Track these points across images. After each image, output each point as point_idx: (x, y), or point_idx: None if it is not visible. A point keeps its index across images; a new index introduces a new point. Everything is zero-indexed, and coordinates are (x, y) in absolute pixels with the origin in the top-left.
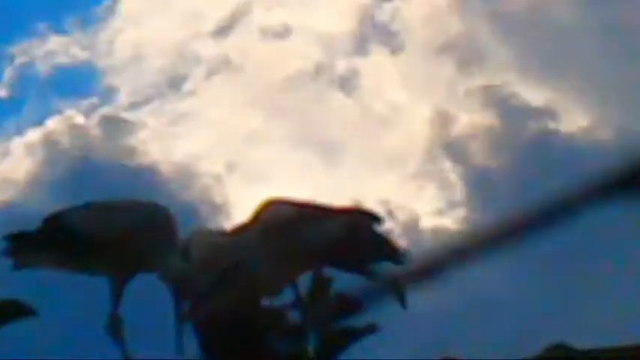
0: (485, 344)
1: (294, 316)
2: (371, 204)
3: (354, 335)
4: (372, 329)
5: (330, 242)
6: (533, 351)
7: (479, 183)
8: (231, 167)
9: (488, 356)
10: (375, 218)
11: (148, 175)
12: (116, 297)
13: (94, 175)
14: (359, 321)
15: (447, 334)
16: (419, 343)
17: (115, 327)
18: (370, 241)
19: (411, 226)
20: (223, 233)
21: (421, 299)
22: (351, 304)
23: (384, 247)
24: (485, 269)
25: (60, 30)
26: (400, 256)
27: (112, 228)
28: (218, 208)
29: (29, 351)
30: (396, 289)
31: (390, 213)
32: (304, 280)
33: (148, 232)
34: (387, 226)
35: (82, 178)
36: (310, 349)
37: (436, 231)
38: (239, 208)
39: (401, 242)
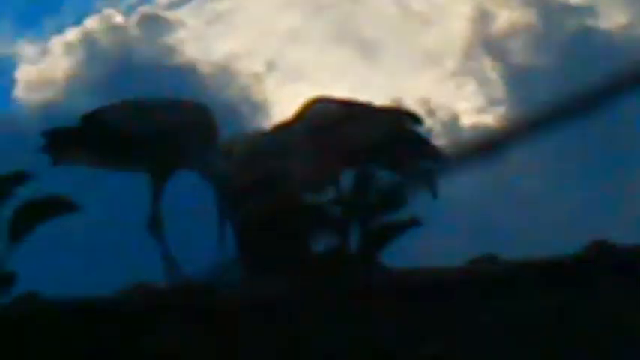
0: (523, 239)
1: (336, 212)
2: (410, 103)
3: (397, 230)
4: (414, 223)
5: (372, 141)
6: (572, 247)
7: (518, 80)
8: (270, 66)
9: (526, 251)
10: (414, 118)
11: (187, 74)
12: (156, 195)
13: (132, 75)
14: (401, 215)
15: (486, 226)
16: (458, 236)
17: (155, 225)
18: (410, 141)
19: (451, 124)
20: (265, 132)
21: (461, 193)
22: (392, 199)
23: (424, 147)
24: (525, 163)
25: None
26: (439, 155)
27: (151, 125)
28: (258, 107)
29: (70, 246)
30: (431, 183)
31: (430, 111)
32: (347, 177)
33: (187, 130)
34: (427, 125)
35: (121, 77)
36: (352, 244)
37: (476, 128)
38: (279, 107)
39: (441, 140)
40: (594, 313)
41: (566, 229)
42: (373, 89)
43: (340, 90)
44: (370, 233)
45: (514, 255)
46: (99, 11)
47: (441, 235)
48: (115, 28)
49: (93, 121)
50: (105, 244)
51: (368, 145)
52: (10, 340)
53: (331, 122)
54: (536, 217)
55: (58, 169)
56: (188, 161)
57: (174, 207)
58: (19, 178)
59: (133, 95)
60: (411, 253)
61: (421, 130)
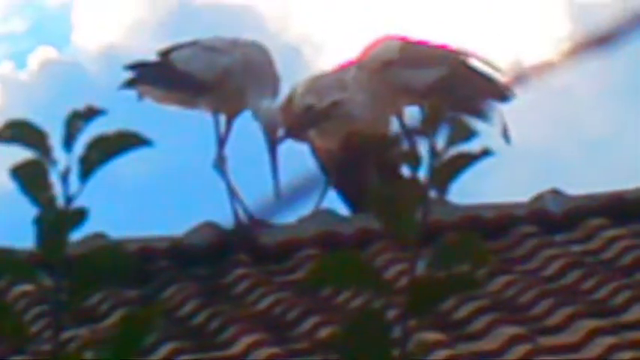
0: (590, 180)
1: (406, 145)
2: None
3: (468, 160)
4: (486, 153)
5: (433, 84)
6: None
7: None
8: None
9: (590, 188)
10: (480, 58)
11: (247, 15)
12: (221, 135)
13: (194, 17)
14: (473, 146)
15: (554, 169)
16: (527, 177)
17: (220, 163)
18: (477, 81)
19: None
20: (328, 73)
21: (529, 136)
22: (462, 132)
23: (491, 87)
24: (592, 108)
25: None
26: (505, 93)
27: (214, 67)
28: (320, 49)
29: (146, 178)
30: (501, 125)
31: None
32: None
33: (247, 71)
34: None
35: (183, 19)
36: (423, 175)
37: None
38: (341, 49)
39: (509, 77)
40: None
41: (631, 166)
42: (442, 27)
43: (409, 29)
44: (441, 164)
45: (579, 191)
46: None
47: (507, 172)
48: None
49: (167, 59)
50: (176, 179)
51: (428, 88)
52: (85, 277)
53: (394, 60)
54: (602, 155)
55: (131, 106)
56: (247, 102)
57: (240, 146)
58: (90, 113)
59: (194, 37)
60: (480, 189)
61: (488, 69)
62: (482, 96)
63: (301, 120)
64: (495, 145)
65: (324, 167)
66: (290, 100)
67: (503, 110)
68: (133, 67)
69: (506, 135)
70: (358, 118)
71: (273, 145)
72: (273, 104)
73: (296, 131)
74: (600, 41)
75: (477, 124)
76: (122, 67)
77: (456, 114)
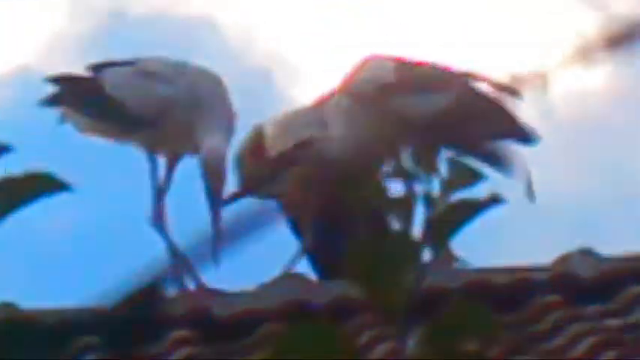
0: (629, 238)
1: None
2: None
3: (473, 209)
4: (495, 201)
5: (442, 112)
6: None
7: None
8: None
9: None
10: (499, 86)
11: (203, 29)
12: (160, 183)
13: (129, 31)
14: (479, 193)
15: (586, 224)
16: (551, 234)
17: (158, 219)
18: (487, 115)
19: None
20: (306, 108)
21: (555, 183)
22: (464, 174)
23: (506, 123)
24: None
25: None
26: (526, 133)
27: (152, 98)
28: (294, 73)
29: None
30: (527, 181)
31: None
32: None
33: (193, 105)
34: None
35: (115, 34)
36: (419, 225)
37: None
38: (322, 73)
39: (532, 112)
40: None
41: None
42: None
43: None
44: (441, 212)
45: (616, 252)
46: None
47: (526, 227)
48: None
49: (97, 78)
50: (100, 234)
51: (428, 121)
52: None
53: (379, 92)
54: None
55: (39, 144)
56: (191, 141)
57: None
58: None
59: (130, 54)
60: (491, 248)
61: (505, 100)
62: (500, 134)
63: (264, 169)
64: (510, 193)
65: (296, 226)
66: (255, 143)
67: (525, 156)
68: (56, 80)
69: (530, 191)
70: (336, 159)
71: (215, 197)
72: (224, 145)
73: (256, 184)
74: (623, 38)
75: (490, 171)
76: (42, 81)
77: (464, 155)
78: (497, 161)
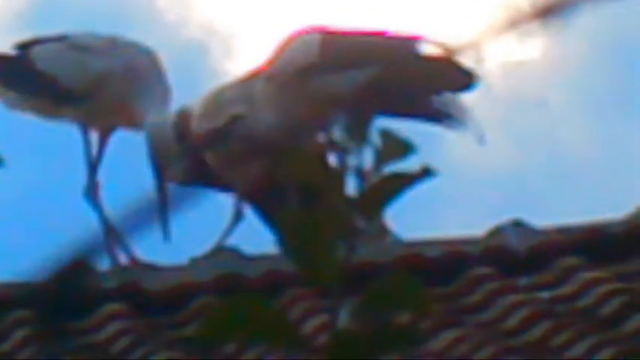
0: (561, 209)
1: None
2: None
3: (404, 182)
4: (427, 173)
5: (363, 88)
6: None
7: None
8: None
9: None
10: (435, 43)
11: (137, 2)
12: (92, 157)
13: (61, 5)
14: (410, 165)
15: (518, 196)
16: (483, 206)
17: (92, 192)
18: (420, 74)
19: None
20: (232, 85)
21: (489, 157)
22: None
23: (443, 77)
24: (569, 127)
25: None
26: (470, 80)
27: (85, 72)
28: (230, 46)
29: None
30: (475, 125)
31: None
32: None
33: (128, 79)
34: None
35: (45, 9)
36: (351, 199)
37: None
38: (258, 45)
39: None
40: None
41: (616, 196)
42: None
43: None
44: (371, 186)
45: (548, 223)
46: None
47: (459, 200)
48: None
49: (26, 55)
50: (32, 205)
51: (355, 94)
52: None
53: (312, 63)
54: (577, 179)
55: None
56: (127, 116)
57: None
58: None
59: (62, 29)
60: (424, 221)
61: (439, 54)
62: (439, 91)
63: (195, 147)
64: (442, 165)
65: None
66: (183, 121)
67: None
68: None
69: (479, 134)
70: (264, 137)
71: (161, 173)
72: (166, 118)
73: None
74: (548, 9)
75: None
76: None
77: (405, 119)
78: (445, 117)
